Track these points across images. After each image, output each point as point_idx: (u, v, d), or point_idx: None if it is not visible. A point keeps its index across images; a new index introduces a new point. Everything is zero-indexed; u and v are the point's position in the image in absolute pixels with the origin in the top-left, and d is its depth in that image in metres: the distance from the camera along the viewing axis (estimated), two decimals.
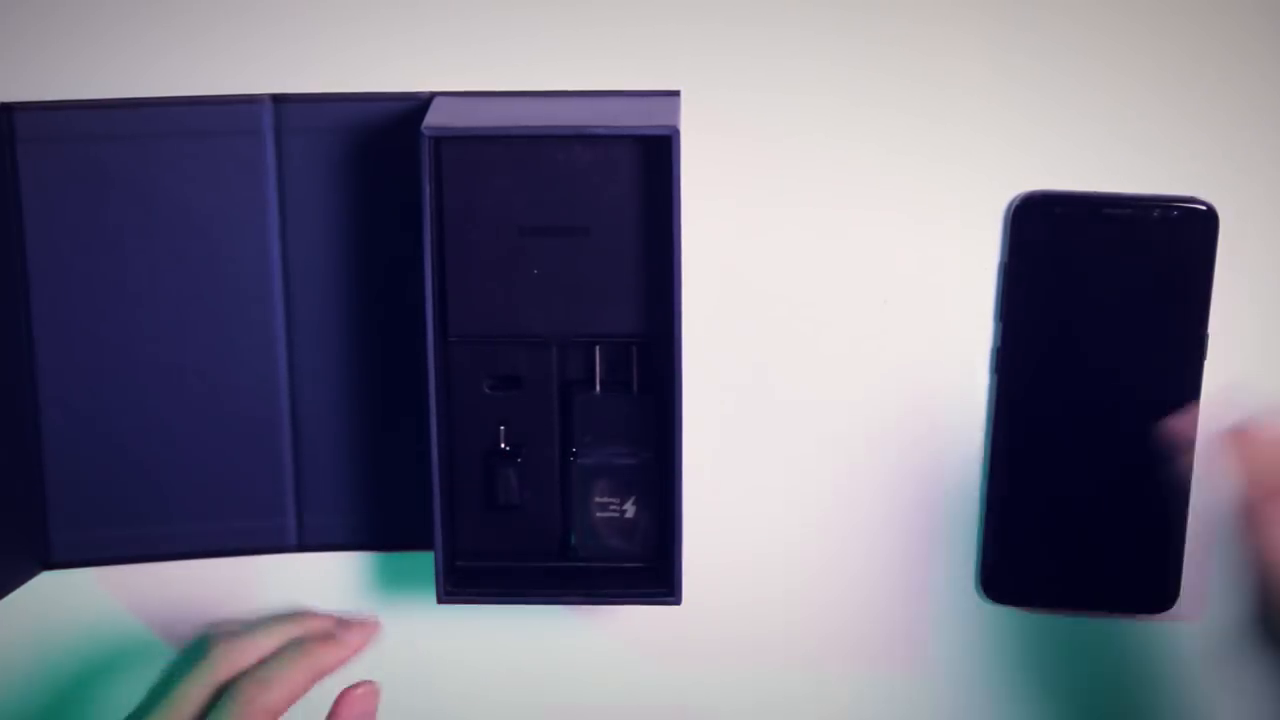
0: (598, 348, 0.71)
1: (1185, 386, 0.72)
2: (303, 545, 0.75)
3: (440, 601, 0.71)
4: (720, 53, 0.71)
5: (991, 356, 0.74)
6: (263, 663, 0.66)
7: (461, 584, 0.71)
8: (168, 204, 0.71)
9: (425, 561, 0.71)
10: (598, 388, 0.71)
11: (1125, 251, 0.72)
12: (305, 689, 0.66)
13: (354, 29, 0.71)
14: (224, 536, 0.75)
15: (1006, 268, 0.73)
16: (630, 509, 0.72)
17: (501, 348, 0.71)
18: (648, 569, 0.73)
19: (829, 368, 0.74)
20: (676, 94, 0.71)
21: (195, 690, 0.65)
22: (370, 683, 0.67)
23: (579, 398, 0.71)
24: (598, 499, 0.72)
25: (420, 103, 0.71)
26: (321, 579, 0.76)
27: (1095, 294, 0.72)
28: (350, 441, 0.75)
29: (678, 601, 0.71)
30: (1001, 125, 0.72)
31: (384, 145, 0.71)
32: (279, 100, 0.71)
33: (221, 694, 0.64)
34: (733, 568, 0.76)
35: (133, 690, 0.77)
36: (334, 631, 0.68)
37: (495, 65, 0.72)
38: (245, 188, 0.72)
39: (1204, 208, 0.71)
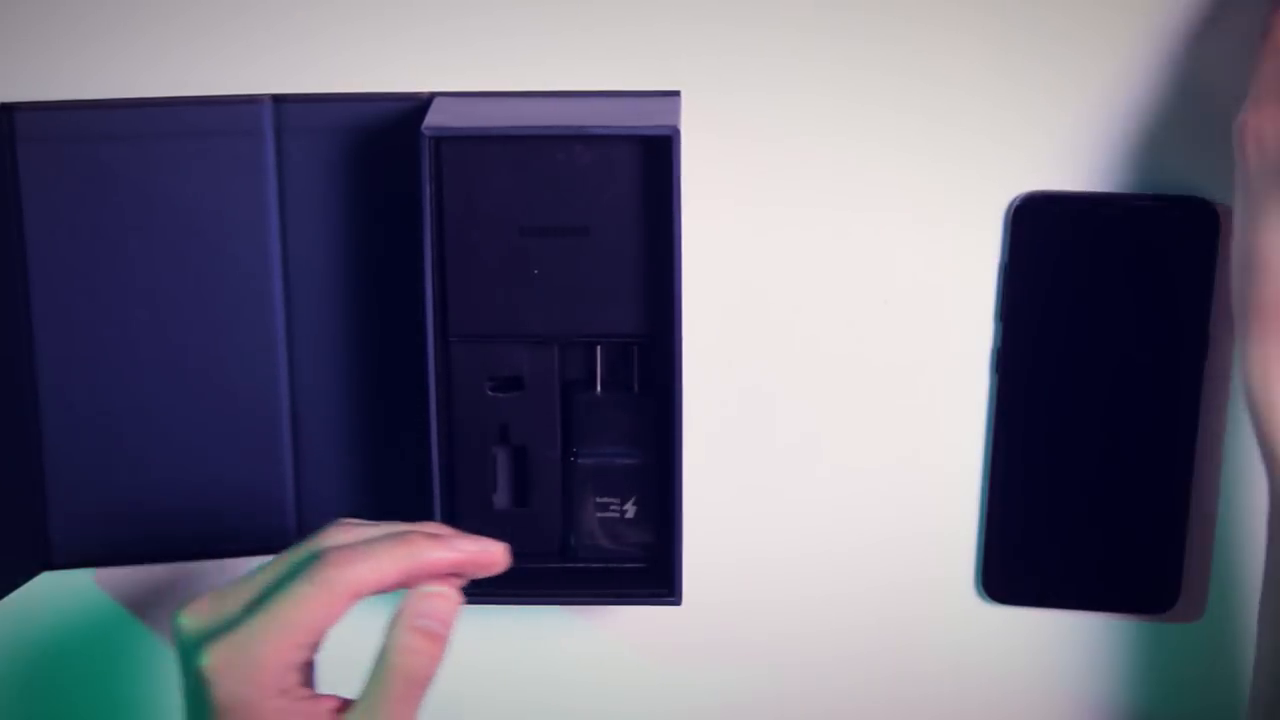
0: (598, 348, 0.71)
1: (1185, 386, 0.72)
2: None
3: None
4: (720, 53, 0.71)
5: (991, 356, 0.74)
6: (360, 541, 0.62)
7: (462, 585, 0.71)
8: (168, 204, 0.71)
9: None
10: (598, 388, 0.71)
11: (1125, 251, 0.72)
12: (397, 577, 0.61)
13: (354, 29, 0.71)
14: (224, 536, 0.75)
15: (1006, 268, 0.73)
16: (630, 509, 0.72)
17: (502, 348, 0.71)
18: (648, 569, 0.73)
19: (829, 368, 0.74)
20: (676, 94, 0.71)
21: (296, 556, 0.62)
22: (449, 592, 0.63)
23: (579, 398, 0.71)
24: (598, 499, 0.72)
25: (420, 103, 0.71)
26: None
27: (1095, 294, 0.72)
28: (350, 441, 0.75)
29: (678, 601, 0.71)
30: (1001, 125, 0.72)
31: (384, 145, 0.71)
32: (279, 100, 0.71)
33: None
34: (733, 568, 0.76)
35: (133, 690, 0.77)
36: (443, 536, 0.63)
37: (495, 65, 0.72)
38: (245, 188, 0.72)
39: (1204, 208, 0.71)
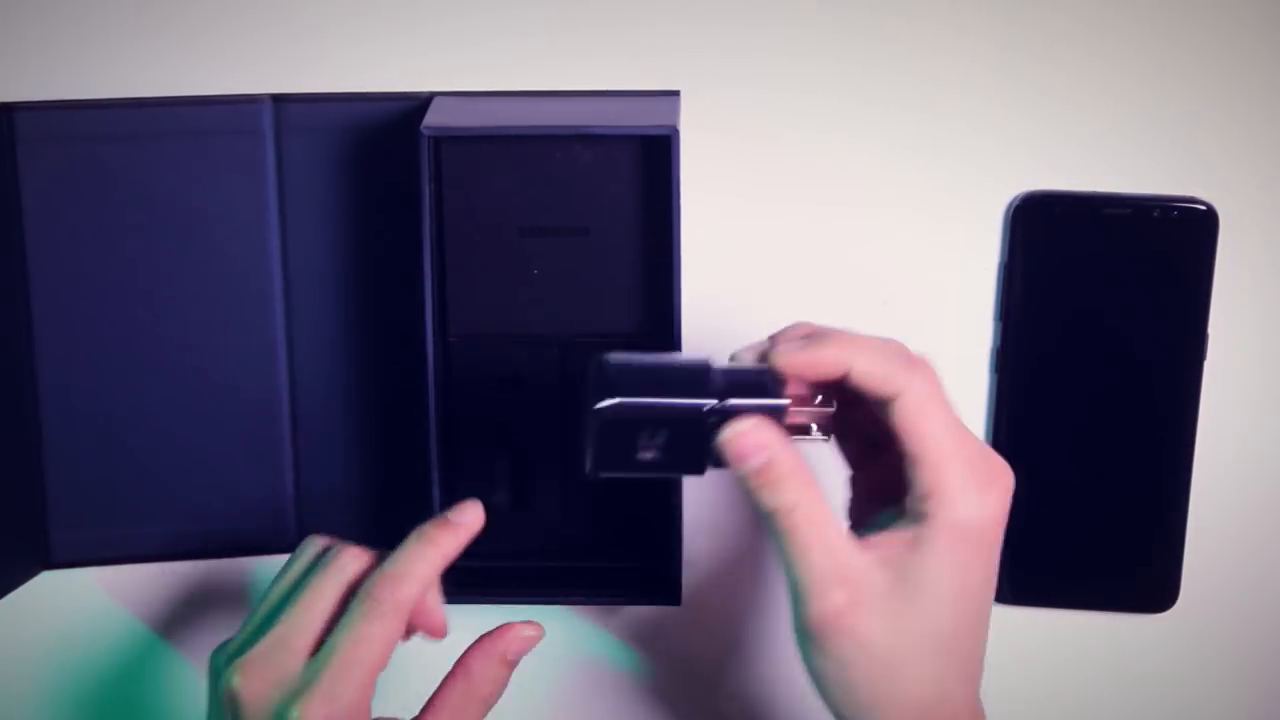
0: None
1: (1185, 386, 0.72)
2: None
3: None
4: (720, 53, 0.71)
5: (991, 356, 0.74)
6: (389, 557, 0.65)
7: (462, 584, 0.71)
8: (168, 204, 0.71)
9: None
10: None
11: (1125, 251, 0.72)
12: (433, 580, 0.65)
13: (354, 29, 0.71)
14: (224, 536, 0.75)
15: (1006, 268, 0.73)
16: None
17: (502, 348, 0.71)
18: (648, 569, 0.72)
19: None
20: (676, 94, 0.71)
21: (329, 589, 0.64)
22: (537, 627, 0.67)
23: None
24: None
25: (420, 103, 0.71)
26: None
27: (1095, 294, 0.72)
28: (350, 441, 0.75)
29: (678, 602, 0.71)
30: (1001, 125, 0.72)
31: (384, 145, 0.71)
32: (279, 100, 0.71)
33: (352, 594, 0.64)
34: (733, 569, 0.76)
35: (132, 690, 0.77)
36: (448, 517, 0.66)
37: (495, 65, 0.72)
38: (245, 188, 0.72)
39: (1204, 208, 0.71)
